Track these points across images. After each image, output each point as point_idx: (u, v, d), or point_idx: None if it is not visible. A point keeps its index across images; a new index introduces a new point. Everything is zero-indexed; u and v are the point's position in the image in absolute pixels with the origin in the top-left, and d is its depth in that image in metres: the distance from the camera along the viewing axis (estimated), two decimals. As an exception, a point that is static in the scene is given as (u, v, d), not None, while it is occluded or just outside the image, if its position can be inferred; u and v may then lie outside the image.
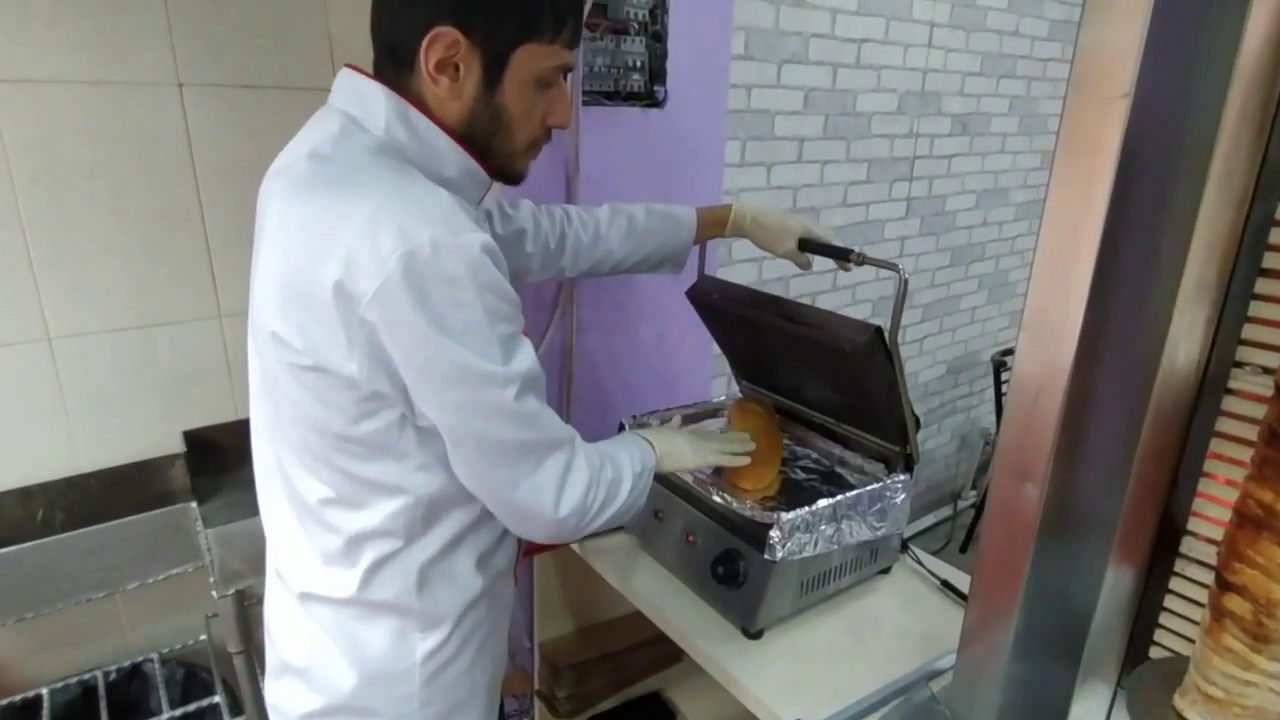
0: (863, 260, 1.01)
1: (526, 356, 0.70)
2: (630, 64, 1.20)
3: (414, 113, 0.70)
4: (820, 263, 1.16)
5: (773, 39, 1.73)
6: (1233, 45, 0.53)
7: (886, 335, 0.93)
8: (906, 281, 0.92)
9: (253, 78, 1.23)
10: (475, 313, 0.64)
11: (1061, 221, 0.55)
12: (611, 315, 1.36)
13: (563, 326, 1.30)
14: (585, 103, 1.18)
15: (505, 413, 0.68)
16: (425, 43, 0.67)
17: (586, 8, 1.12)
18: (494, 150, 0.75)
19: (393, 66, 0.71)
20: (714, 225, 1.12)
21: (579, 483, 0.75)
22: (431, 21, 0.67)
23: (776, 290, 1.92)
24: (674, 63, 1.26)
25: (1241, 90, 0.53)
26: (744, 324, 1.16)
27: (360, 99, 0.72)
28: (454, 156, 0.73)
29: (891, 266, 0.95)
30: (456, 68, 0.69)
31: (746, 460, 1.00)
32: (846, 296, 2.21)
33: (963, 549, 2.86)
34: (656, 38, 1.22)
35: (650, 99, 1.25)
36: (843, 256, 1.04)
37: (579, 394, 1.36)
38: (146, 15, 1.15)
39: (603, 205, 1.08)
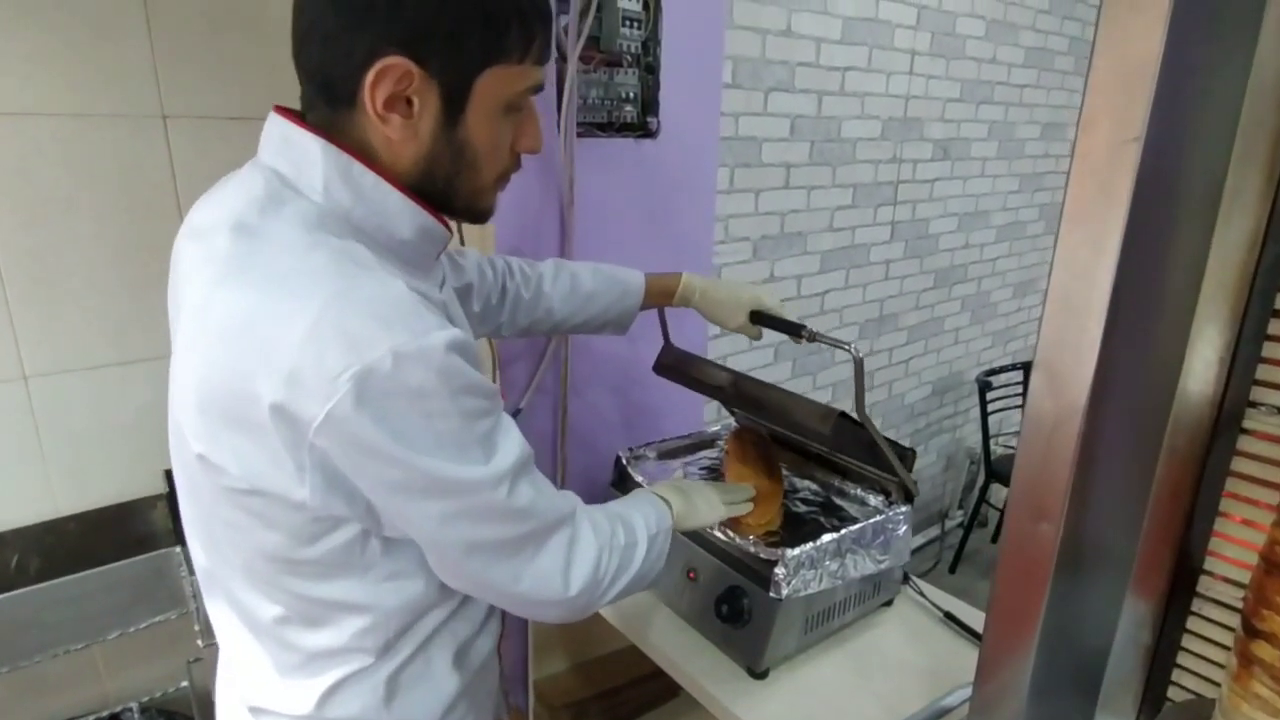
0: (814, 337, 0.97)
1: (513, 444, 0.61)
2: (623, 95, 1.20)
3: (358, 168, 0.59)
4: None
5: (760, 68, 1.75)
6: (1240, 88, 0.54)
7: (854, 414, 0.91)
8: (862, 361, 0.89)
9: (239, 109, 1.21)
10: (449, 421, 0.56)
11: (1074, 263, 0.55)
12: (604, 344, 1.35)
13: (557, 357, 1.29)
14: (579, 134, 1.17)
15: (496, 513, 0.60)
16: (370, 77, 0.55)
17: (582, 38, 1.12)
18: (457, 190, 0.64)
19: (328, 105, 0.59)
20: (661, 295, 1.07)
21: (587, 555, 0.67)
22: (377, 51, 0.55)
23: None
24: (666, 94, 1.26)
25: (1248, 133, 0.54)
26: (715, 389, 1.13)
27: (291, 153, 0.59)
28: (409, 216, 0.62)
29: (842, 346, 0.91)
30: (409, 103, 0.58)
31: (750, 506, 0.97)
32: (834, 320, 2.22)
33: (951, 569, 2.86)
34: (649, 69, 1.22)
35: (643, 130, 1.25)
36: (794, 332, 1.00)
37: (573, 426, 1.34)
38: (131, 47, 1.13)
39: (547, 260, 1.03)
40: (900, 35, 2.04)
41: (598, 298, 1.02)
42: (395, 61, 0.55)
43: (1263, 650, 0.49)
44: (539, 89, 0.65)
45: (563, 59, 1.12)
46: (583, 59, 1.13)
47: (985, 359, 2.89)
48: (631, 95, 1.22)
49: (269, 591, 0.62)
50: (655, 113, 1.25)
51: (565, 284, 1.01)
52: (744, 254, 1.88)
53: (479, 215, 0.69)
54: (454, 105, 0.59)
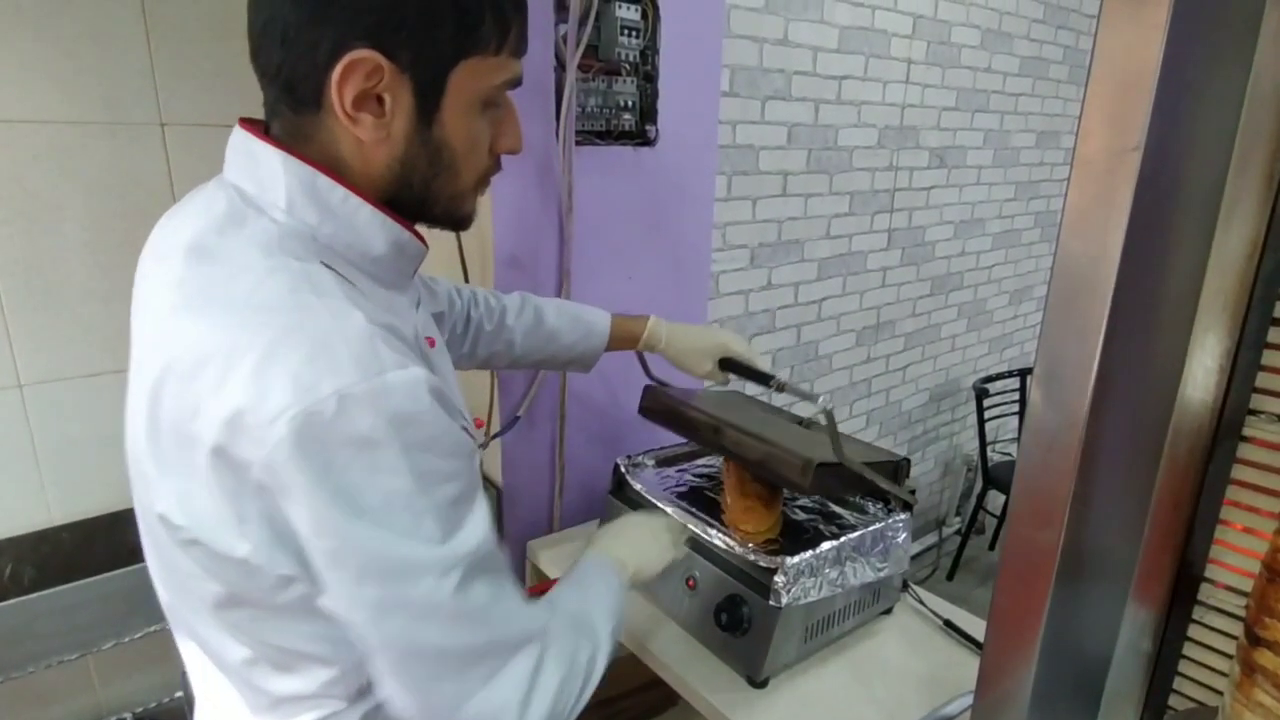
0: (782, 387, 0.94)
1: (476, 528, 0.53)
2: (622, 104, 1.21)
3: (325, 182, 0.55)
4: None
5: (757, 76, 1.75)
6: (1238, 97, 0.54)
7: (833, 459, 0.90)
8: (831, 411, 0.88)
9: (237, 116, 1.21)
10: (400, 479, 0.49)
11: (1074, 271, 0.55)
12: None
13: (554, 365, 1.29)
14: (578, 142, 1.17)
15: (443, 612, 0.52)
16: (337, 74, 0.51)
17: (581, 46, 1.12)
18: (435, 195, 0.60)
19: (292, 110, 0.55)
20: (626, 339, 1.03)
21: (550, 684, 0.57)
22: (342, 45, 0.51)
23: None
24: (664, 102, 1.26)
25: (1247, 142, 0.54)
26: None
27: (253, 169, 0.56)
28: (381, 231, 0.58)
29: (810, 398, 0.90)
30: (380, 101, 0.54)
31: (686, 550, 0.94)
32: (831, 327, 2.22)
33: (949, 576, 2.86)
34: (648, 78, 1.22)
35: (642, 138, 1.25)
36: (763, 382, 0.97)
37: (572, 433, 1.34)
38: (129, 55, 1.13)
39: (514, 294, 1.01)
40: (896, 44, 2.05)
41: (560, 336, 1.00)
42: (363, 55, 0.51)
43: (1265, 658, 0.49)
44: (517, 83, 0.61)
45: (561, 67, 1.12)
46: (581, 67, 1.14)
47: (982, 366, 2.89)
48: (630, 103, 1.22)
49: (234, 634, 0.58)
50: (653, 121, 1.26)
51: (529, 319, 0.99)
52: (742, 261, 1.89)
53: (459, 221, 0.65)
54: (428, 102, 0.56)
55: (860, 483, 0.95)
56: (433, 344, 0.68)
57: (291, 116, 0.56)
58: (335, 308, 0.51)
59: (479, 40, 0.56)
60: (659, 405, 1.11)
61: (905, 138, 2.19)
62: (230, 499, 0.50)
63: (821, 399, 0.88)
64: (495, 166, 0.64)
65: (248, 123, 0.59)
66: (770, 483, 1.08)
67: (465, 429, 0.57)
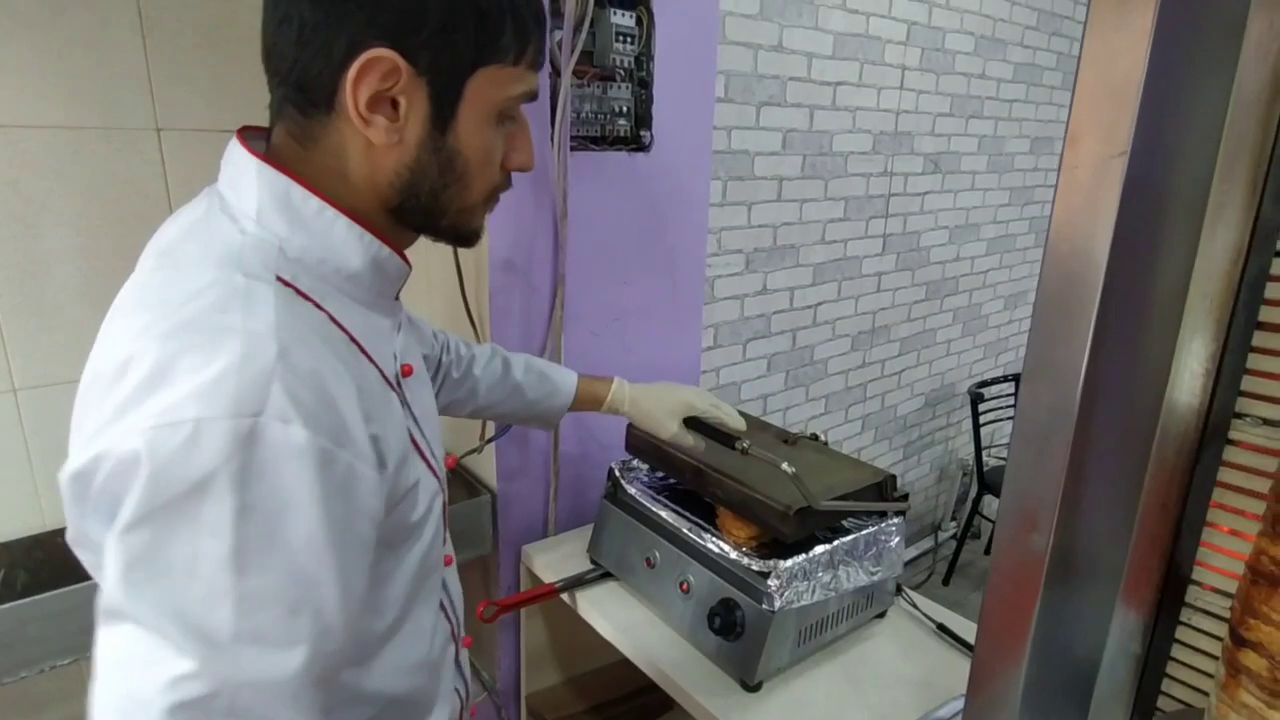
0: (746, 451, 0.93)
1: (283, 662, 0.45)
2: (617, 109, 1.21)
3: (298, 192, 0.53)
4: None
5: (752, 82, 1.76)
6: (1223, 104, 0.54)
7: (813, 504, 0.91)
8: (796, 473, 0.89)
9: (233, 122, 1.19)
10: (219, 543, 0.43)
11: (1062, 275, 0.56)
12: (599, 354, 1.35)
13: (549, 370, 1.29)
14: (573, 147, 1.18)
15: None
16: (353, 73, 0.50)
17: (576, 52, 1.12)
18: (443, 207, 0.59)
19: (301, 111, 0.54)
20: (591, 401, 1.03)
21: None
22: (360, 43, 0.50)
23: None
24: (659, 108, 1.27)
25: (1231, 148, 0.55)
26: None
27: (234, 176, 0.55)
28: (359, 247, 0.56)
29: (776, 463, 0.90)
30: (395, 104, 0.53)
31: None
32: (827, 331, 2.22)
33: (945, 581, 2.86)
34: (642, 84, 1.23)
35: (636, 143, 1.26)
36: (728, 444, 0.96)
37: (566, 436, 1.34)
38: (124, 60, 1.13)
39: (484, 345, 1.01)
40: (890, 51, 2.07)
41: (524, 391, 0.99)
42: (381, 54, 0.50)
43: (1250, 659, 0.49)
44: (533, 97, 0.60)
45: (556, 73, 1.13)
46: (576, 73, 1.14)
47: (977, 371, 2.90)
48: (624, 109, 1.23)
49: None
50: (648, 126, 1.26)
51: (496, 370, 0.98)
52: (737, 266, 1.89)
53: (466, 237, 0.63)
54: (444, 108, 0.54)
55: (844, 513, 0.97)
56: (409, 372, 0.65)
57: (299, 119, 0.55)
58: (254, 335, 0.46)
59: (499, 49, 0.55)
60: (644, 445, 1.12)
61: (900, 143, 2.20)
62: (92, 529, 0.46)
63: (784, 464, 0.89)
64: (506, 183, 0.63)
65: (245, 130, 0.58)
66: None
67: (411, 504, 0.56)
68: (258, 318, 0.47)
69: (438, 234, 0.62)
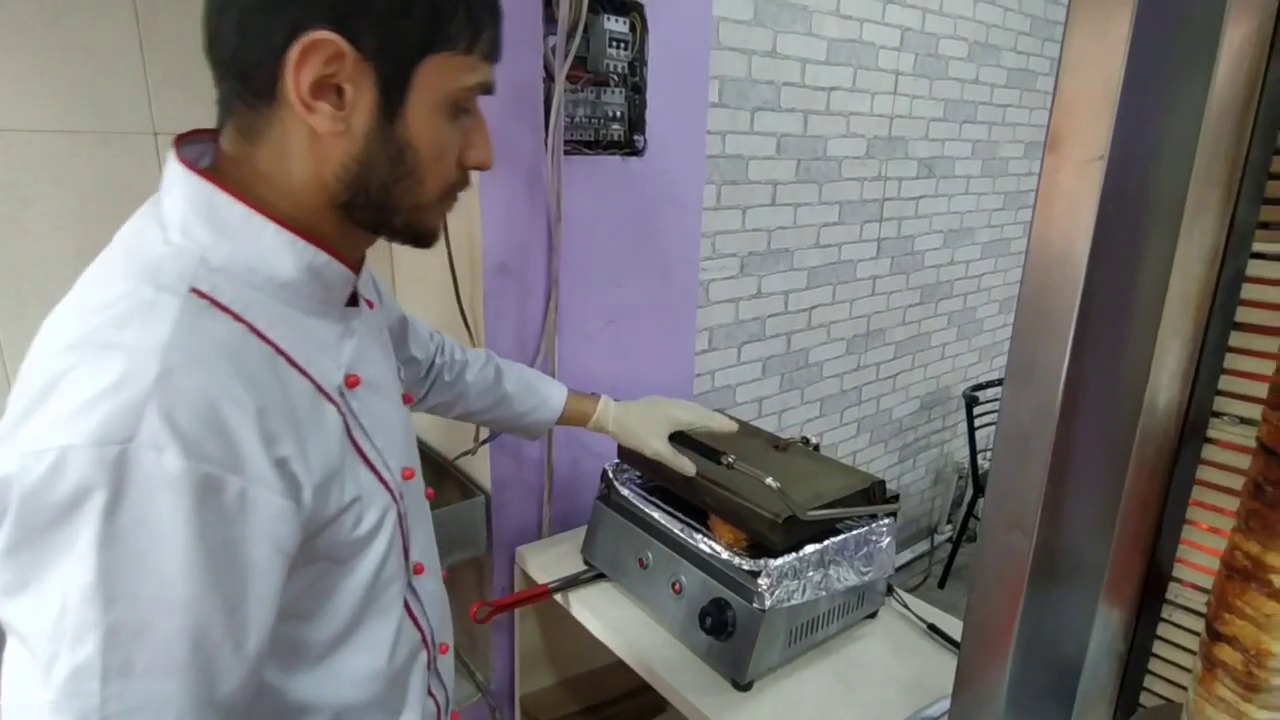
0: (731, 466, 0.95)
1: (158, 690, 0.44)
2: (610, 114, 1.22)
3: (223, 199, 0.52)
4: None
5: (746, 87, 1.78)
6: (1199, 109, 0.56)
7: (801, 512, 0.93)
8: (780, 488, 0.91)
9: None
10: (83, 570, 0.42)
11: (1042, 277, 0.57)
12: (594, 356, 1.36)
13: (544, 369, 1.30)
14: (567, 152, 1.19)
15: None
16: (294, 55, 0.48)
17: (569, 58, 1.14)
18: (395, 203, 0.56)
19: (245, 103, 0.53)
20: (578, 417, 1.03)
21: None
22: (301, 26, 0.48)
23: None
24: (653, 112, 1.28)
25: (1208, 152, 0.56)
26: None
27: (170, 183, 0.53)
28: (290, 253, 0.54)
29: (761, 478, 0.92)
30: (341, 92, 0.51)
31: None
32: (822, 335, 2.23)
33: (941, 584, 2.86)
34: (636, 89, 1.24)
35: (630, 148, 1.27)
36: (715, 459, 0.97)
37: (559, 440, 1.35)
38: (122, 65, 1.14)
39: (480, 350, 1.02)
40: (884, 56, 2.08)
41: (512, 402, 0.99)
42: (324, 37, 0.48)
43: (1225, 653, 0.50)
44: (489, 89, 0.58)
45: (550, 78, 1.14)
46: (570, 78, 1.15)
47: (972, 374, 2.91)
48: (618, 114, 1.24)
49: None
50: (642, 131, 1.27)
51: (487, 378, 0.98)
52: (731, 269, 1.91)
53: (421, 236, 0.61)
54: (392, 96, 0.52)
55: (833, 519, 0.97)
56: (355, 384, 0.61)
57: (245, 113, 0.53)
58: (138, 354, 0.45)
59: (449, 36, 0.53)
60: (635, 454, 1.12)
61: (894, 148, 2.22)
62: None
63: (768, 480, 0.90)
64: (463, 181, 0.61)
65: (193, 133, 0.57)
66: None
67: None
68: (150, 335, 0.46)
69: (392, 233, 0.60)
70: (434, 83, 0.53)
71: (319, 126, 0.51)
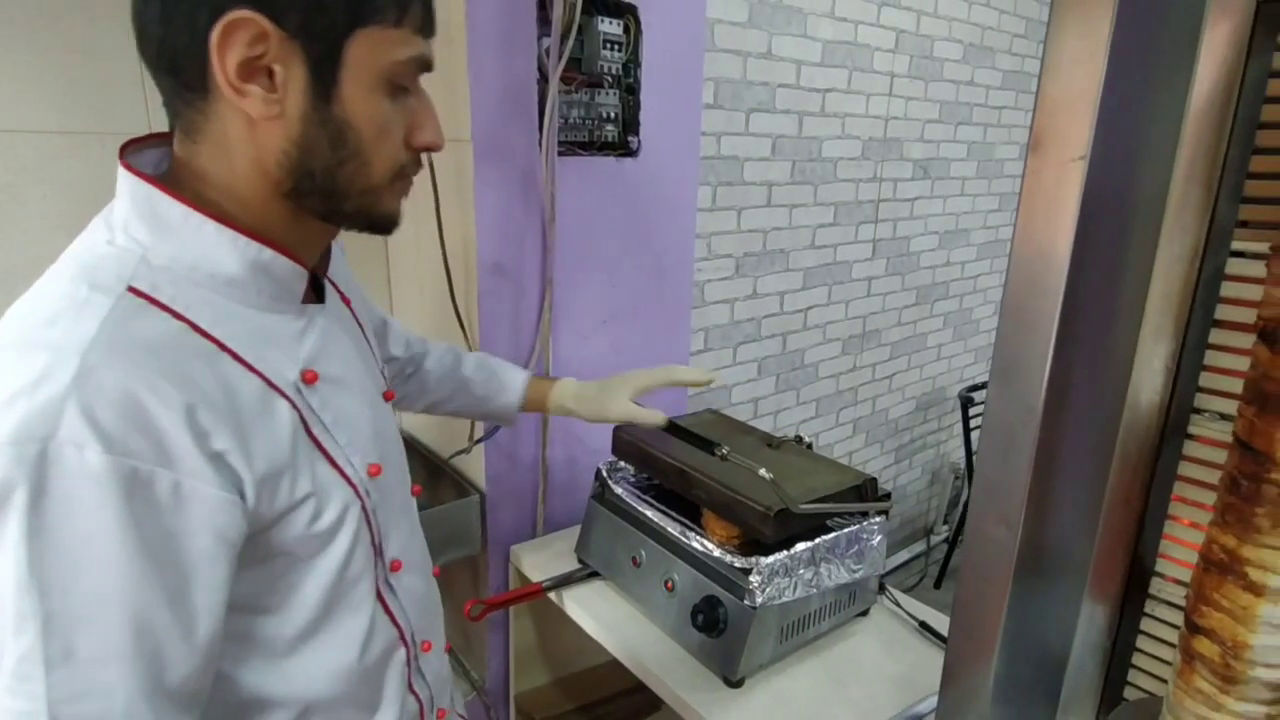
0: (725, 458, 0.96)
1: (102, 677, 0.46)
2: (604, 115, 1.23)
3: (163, 200, 0.52)
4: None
5: (741, 89, 1.79)
6: (1179, 110, 0.56)
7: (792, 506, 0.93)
8: (773, 479, 0.91)
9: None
10: (17, 566, 0.44)
11: (1026, 276, 0.58)
12: (589, 356, 1.36)
13: (539, 369, 1.30)
14: (561, 153, 1.20)
15: None
16: (215, 39, 0.48)
17: (564, 59, 1.14)
18: (343, 188, 0.55)
19: (182, 100, 0.53)
20: (539, 402, 1.02)
21: None
22: (220, 6, 0.47)
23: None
24: (647, 114, 1.29)
25: (1189, 152, 0.57)
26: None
27: (119, 185, 0.54)
28: (231, 250, 0.53)
29: (755, 469, 0.93)
30: (270, 73, 0.50)
31: None
32: (817, 336, 2.24)
33: (937, 584, 2.87)
34: (630, 90, 1.25)
35: (624, 149, 1.28)
36: (708, 449, 0.98)
37: (554, 438, 1.35)
38: (118, 65, 1.15)
39: (443, 343, 1.02)
40: (879, 58, 2.09)
41: (472, 387, 0.99)
42: (242, 15, 0.47)
43: (1203, 645, 0.51)
44: (426, 65, 0.57)
45: (544, 79, 1.15)
46: (564, 79, 1.16)
47: (968, 375, 2.92)
48: (612, 115, 1.24)
49: None
50: (636, 132, 1.28)
51: (445, 364, 0.98)
52: (727, 270, 1.91)
53: (378, 222, 0.60)
54: (324, 74, 0.51)
55: (825, 514, 0.98)
56: (313, 379, 0.60)
57: (185, 111, 0.53)
58: (61, 352, 0.46)
59: (377, 8, 0.52)
60: (629, 448, 1.13)
61: (889, 149, 2.23)
62: None
63: (761, 471, 0.91)
64: (415, 164, 0.59)
65: (148, 137, 0.58)
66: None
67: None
68: (76, 333, 0.47)
69: (346, 220, 0.59)
70: (366, 59, 0.52)
71: (253, 111, 0.51)
